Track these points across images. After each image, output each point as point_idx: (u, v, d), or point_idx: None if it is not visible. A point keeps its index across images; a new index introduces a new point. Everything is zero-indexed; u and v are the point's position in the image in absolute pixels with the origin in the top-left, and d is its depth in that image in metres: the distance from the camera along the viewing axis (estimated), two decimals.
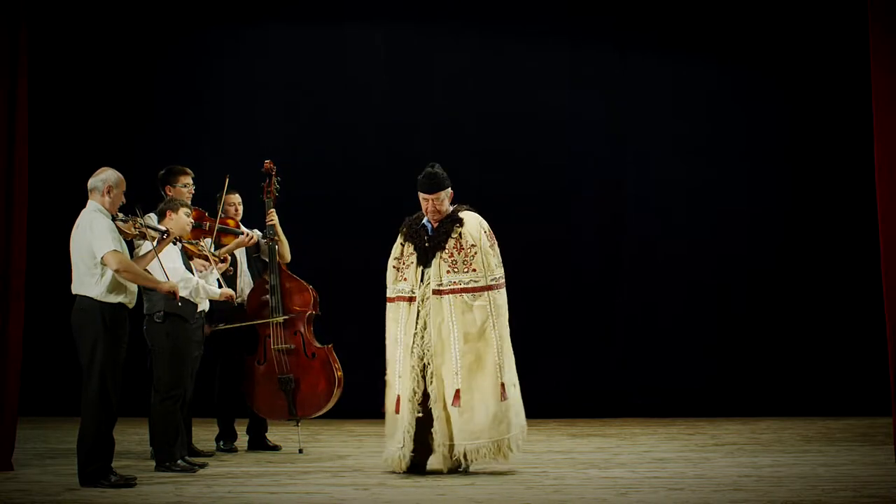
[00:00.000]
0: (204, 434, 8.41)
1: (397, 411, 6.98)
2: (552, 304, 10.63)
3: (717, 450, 8.08)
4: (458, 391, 6.88)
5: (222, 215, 8.09)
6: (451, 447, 6.89)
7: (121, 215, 6.73)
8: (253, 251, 8.29)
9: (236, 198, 8.28)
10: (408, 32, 10.83)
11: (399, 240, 7.22)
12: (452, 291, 6.94)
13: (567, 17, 10.73)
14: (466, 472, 6.97)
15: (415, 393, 6.92)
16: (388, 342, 7.14)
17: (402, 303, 7.06)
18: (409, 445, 6.90)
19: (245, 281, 8.24)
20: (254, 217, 8.34)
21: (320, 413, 8.06)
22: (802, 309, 10.56)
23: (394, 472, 6.96)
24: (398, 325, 7.05)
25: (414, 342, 6.95)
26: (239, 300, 8.09)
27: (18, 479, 6.89)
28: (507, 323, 7.05)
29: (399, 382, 6.99)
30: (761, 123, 10.72)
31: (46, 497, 6.29)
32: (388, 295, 7.18)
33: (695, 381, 10.49)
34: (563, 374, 10.53)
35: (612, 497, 6.20)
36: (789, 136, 10.72)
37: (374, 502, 6.15)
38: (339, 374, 8.02)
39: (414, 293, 7.02)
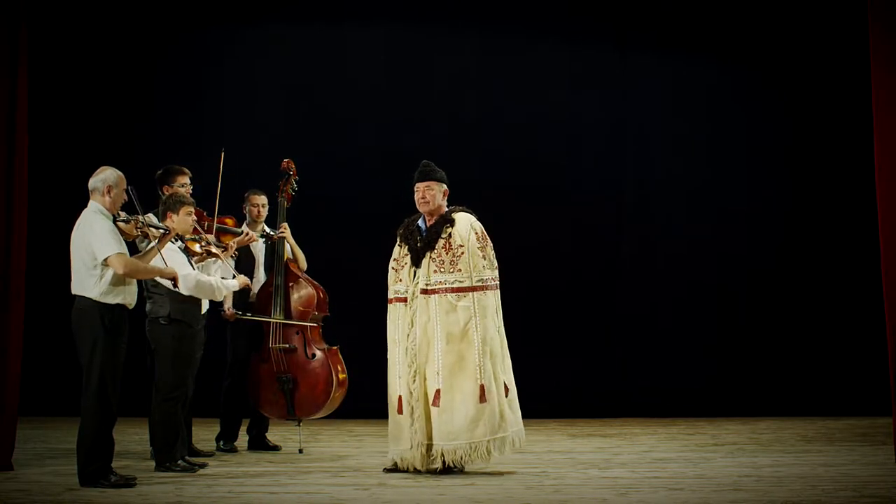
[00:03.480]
0: (204, 434, 8.41)
1: (400, 412, 6.99)
2: (552, 305, 10.63)
3: (717, 450, 8.08)
4: (438, 391, 6.89)
5: (245, 215, 8.13)
6: (429, 446, 6.91)
7: (122, 214, 6.72)
8: (269, 252, 8.32)
9: (261, 199, 8.31)
10: (408, 32, 10.83)
11: (398, 241, 7.25)
12: (437, 291, 6.96)
13: (567, 17, 10.73)
14: (462, 472, 6.97)
15: (412, 393, 6.94)
16: (389, 344, 7.16)
17: (399, 304, 7.10)
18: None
19: (260, 280, 8.25)
20: (267, 217, 8.36)
21: (319, 415, 8.04)
22: (802, 309, 10.56)
23: (406, 472, 6.94)
24: (396, 326, 7.09)
25: (407, 342, 6.98)
26: (252, 299, 8.12)
27: (18, 479, 6.88)
28: (495, 324, 6.98)
29: (399, 383, 7.01)
30: (761, 123, 10.71)
31: (46, 497, 6.29)
32: (388, 297, 7.21)
33: (695, 381, 10.48)
34: (563, 374, 10.52)
35: (612, 497, 6.20)
36: (789, 135, 10.73)
37: (374, 502, 6.14)
38: (343, 376, 8.00)
39: (408, 293, 7.05)
